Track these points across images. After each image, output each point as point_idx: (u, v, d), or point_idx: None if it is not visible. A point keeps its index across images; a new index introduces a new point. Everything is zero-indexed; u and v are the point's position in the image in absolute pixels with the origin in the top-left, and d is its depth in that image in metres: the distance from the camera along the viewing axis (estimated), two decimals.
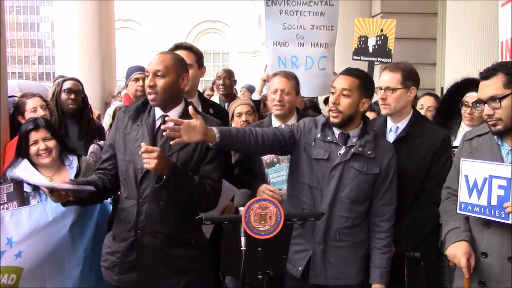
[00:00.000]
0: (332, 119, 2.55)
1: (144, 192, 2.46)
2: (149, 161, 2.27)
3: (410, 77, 2.87)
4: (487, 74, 2.27)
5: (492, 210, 2.19)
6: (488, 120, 2.26)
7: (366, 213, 2.62)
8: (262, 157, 3.01)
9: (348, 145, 2.55)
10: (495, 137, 2.32)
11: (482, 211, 2.23)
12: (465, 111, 3.20)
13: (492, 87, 2.23)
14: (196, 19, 40.55)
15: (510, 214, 2.11)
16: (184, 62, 2.56)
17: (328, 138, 2.57)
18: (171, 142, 2.29)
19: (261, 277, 2.03)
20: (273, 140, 2.54)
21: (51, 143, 2.97)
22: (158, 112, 2.53)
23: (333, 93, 2.56)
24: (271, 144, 2.54)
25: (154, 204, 2.46)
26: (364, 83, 2.55)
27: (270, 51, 4.30)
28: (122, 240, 2.53)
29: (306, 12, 4.19)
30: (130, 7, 34.72)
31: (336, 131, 2.59)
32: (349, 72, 2.59)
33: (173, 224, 2.48)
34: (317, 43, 4.23)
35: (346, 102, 2.51)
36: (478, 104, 2.32)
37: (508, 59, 3.08)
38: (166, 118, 2.36)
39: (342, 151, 2.55)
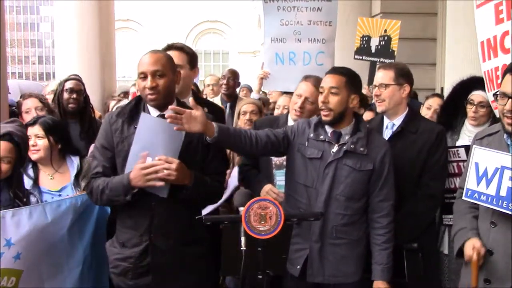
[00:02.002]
0: (324, 118, 2.60)
1: (157, 195, 2.42)
2: (169, 173, 2.30)
3: (402, 75, 2.94)
4: None
5: (500, 201, 2.19)
6: (508, 115, 2.22)
7: (363, 211, 2.64)
8: (272, 158, 3.00)
9: (340, 143, 2.58)
10: (505, 136, 2.31)
11: (489, 201, 2.24)
12: (470, 109, 3.20)
13: None
14: (196, 19, 40.55)
15: None
16: (173, 59, 2.56)
17: (321, 137, 2.61)
18: (175, 128, 2.27)
19: (261, 277, 2.03)
20: (265, 141, 2.58)
21: (41, 142, 2.97)
22: (154, 112, 2.49)
23: (321, 92, 2.61)
24: (264, 146, 2.58)
25: (168, 206, 2.43)
26: (350, 80, 2.61)
27: (268, 47, 4.29)
28: (134, 246, 2.48)
29: (303, 7, 4.18)
30: (130, 7, 34.74)
31: (329, 130, 2.63)
32: (335, 70, 2.67)
33: (184, 223, 2.49)
34: (315, 39, 4.22)
35: (335, 100, 2.56)
36: (499, 97, 2.27)
37: (492, 58, 3.07)
38: (170, 107, 2.31)
39: (334, 149, 2.58)
